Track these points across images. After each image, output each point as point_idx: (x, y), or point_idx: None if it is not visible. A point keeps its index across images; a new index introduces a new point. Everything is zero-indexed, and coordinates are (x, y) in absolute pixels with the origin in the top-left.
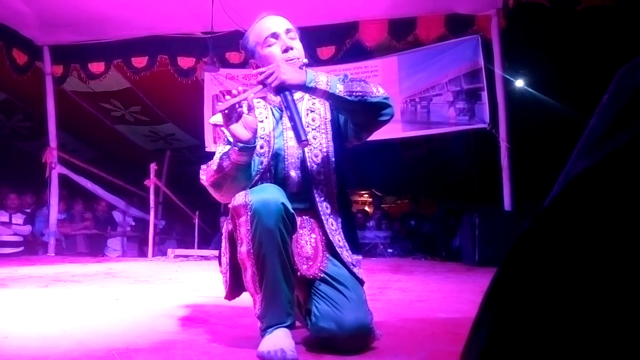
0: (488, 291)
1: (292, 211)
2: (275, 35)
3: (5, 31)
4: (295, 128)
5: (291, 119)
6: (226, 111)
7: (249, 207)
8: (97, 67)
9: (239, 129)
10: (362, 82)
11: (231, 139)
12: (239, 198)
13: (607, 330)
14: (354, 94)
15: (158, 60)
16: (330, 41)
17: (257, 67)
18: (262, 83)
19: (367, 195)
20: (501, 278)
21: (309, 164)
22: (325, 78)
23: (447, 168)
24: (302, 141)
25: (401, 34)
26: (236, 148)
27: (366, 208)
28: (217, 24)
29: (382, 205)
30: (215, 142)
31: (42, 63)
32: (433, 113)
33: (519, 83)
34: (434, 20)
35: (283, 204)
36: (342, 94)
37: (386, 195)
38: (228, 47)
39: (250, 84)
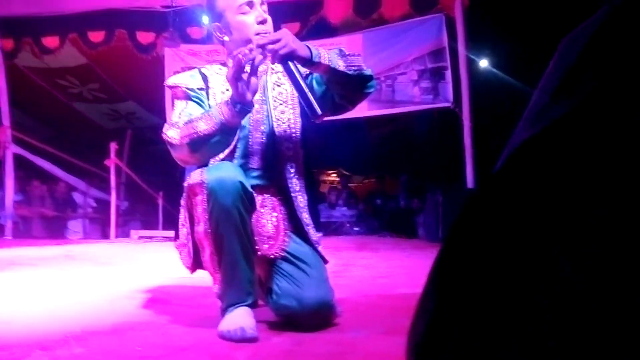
0: (433, 266)
1: (251, 190)
2: (250, 4)
3: None
4: (307, 102)
5: (300, 91)
6: (247, 67)
7: (204, 186)
8: (51, 41)
9: (244, 90)
10: (356, 56)
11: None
12: (195, 176)
13: (541, 302)
14: (353, 68)
15: (116, 35)
16: (295, 17)
17: (222, 32)
18: (262, 47)
19: (334, 175)
20: (444, 253)
21: (277, 138)
22: (324, 53)
23: (412, 147)
24: (316, 115)
25: (366, 12)
26: (235, 108)
27: (334, 187)
28: None
29: (349, 185)
30: (170, 107)
31: None
32: (398, 92)
33: (483, 63)
34: None
35: (241, 182)
36: (342, 69)
37: (353, 174)
38: (189, 22)
39: (215, 59)
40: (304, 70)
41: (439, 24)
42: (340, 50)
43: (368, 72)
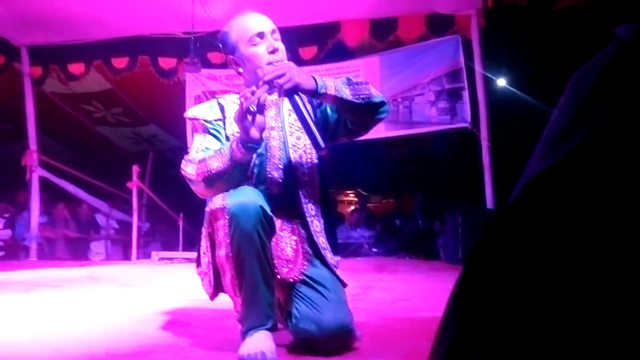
0: (453, 290)
1: (271, 214)
2: (261, 35)
3: None
4: (312, 135)
5: (305, 125)
6: (252, 108)
7: (226, 210)
8: (77, 68)
9: (251, 129)
10: (365, 85)
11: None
12: (216, 201)
13: (556, 318)
14: (361, 96)
15: (139, 61)
16: (312, 41)
17: (237, 64)
18: (269, 82)
19: (352, 195)
20: (464, 278)
21: (293, 165)
22: (331, 83)
23: (430, 167)
24: (320, 149)
25: (383, 34)
26: (242, 147)
27: (352, 207)
28: (198, 24)
29: (368, 205)
30: (191, 138)
31: (20, 64)
32: (415, 113)
33: (500, 82)
34: (415, 20)
35: (261, 207)
36: (349, 98)
37: (371, 194)
38: (209, 47)
39: (234, 84)
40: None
41: (456, 45)
42: (348, 79)
43: (377, 99)
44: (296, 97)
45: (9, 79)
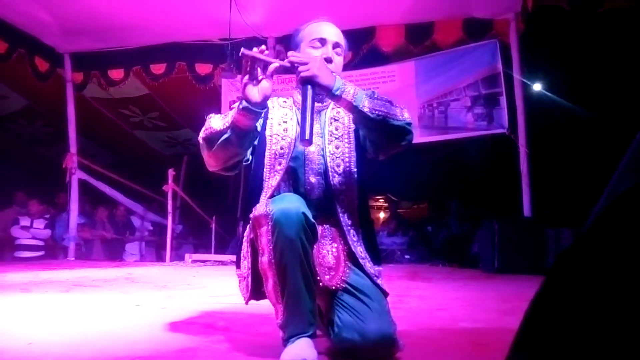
0: (530, 310)
1: (313, 220)
2: (323, 41)
3: (28, 39)
4: (302, 124)
5: (302, 114)
6: (249, 61)
7: (269, 217)
8: (116, 73)
9: (252, 89)
10: (387, 103)
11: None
12: (260, 208)
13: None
14: (377, 112)
15: (176, 67)
16: (347, 47)
17: None
18: (292, 65)
19: (382, 200)
20: (544, 296)
21: (330, 173)
22: (352, 90)
23: (463, 173)
24: (303, 139)
25: (418, 39)
26: (241, 106)
27: (382, 213)
28: (235, 31)
29: (398, 211)
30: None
31: (63, 70)
32: (451, 118)
33: (538, 87)
34: (452, 24)
35: (304, 213)
36: (364, 110)
37: (401, 200)
38: None
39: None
40: (332, 106)
41: (493, 49)
42: (373, 92)
43: (397, 122)
44: (309, 88)
45: (52, 85)
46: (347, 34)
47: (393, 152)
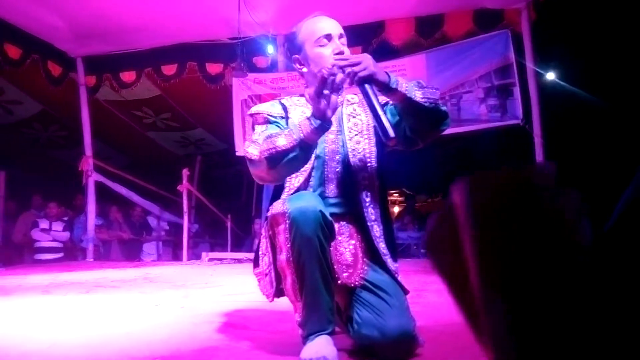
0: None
1: (330, 218)
2: (328, 37)
3: (40, 44)
4: (380, 124)
5: (374, 113)
6: (331, 79)
7: (287, 215)
8: (128, 76)
9: (325, 107)
10: (434, 89)
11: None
12: (277, 206)
13: None
14: (430, 100)
15: (187, 67)
16: (357, 40)
17: (301, 64)
18: (342, 68)
19: (397, 195)
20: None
21: (352, 169)
22: (403, 81)
23: (480, 165)
24: (389, 138)
25: (429, 32)
26: (314, 124)
27: (396, 207)
28: (244, 30)
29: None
30: (250, 132)
31: (76, 74)
32: (464, 110)
33: (551, 76)
34: (462, 16)
35: (321, 211)
36: (419, 99)
37: (416, 194)
38: (255, 52)
39: (279, 87)
40: (382, 99)
41: (505, 39)
42: (419, 82)
43: (443, 107)
44: (367, 87)
45: (65, 89)
46: (356, 28)
47: (435, 136)
